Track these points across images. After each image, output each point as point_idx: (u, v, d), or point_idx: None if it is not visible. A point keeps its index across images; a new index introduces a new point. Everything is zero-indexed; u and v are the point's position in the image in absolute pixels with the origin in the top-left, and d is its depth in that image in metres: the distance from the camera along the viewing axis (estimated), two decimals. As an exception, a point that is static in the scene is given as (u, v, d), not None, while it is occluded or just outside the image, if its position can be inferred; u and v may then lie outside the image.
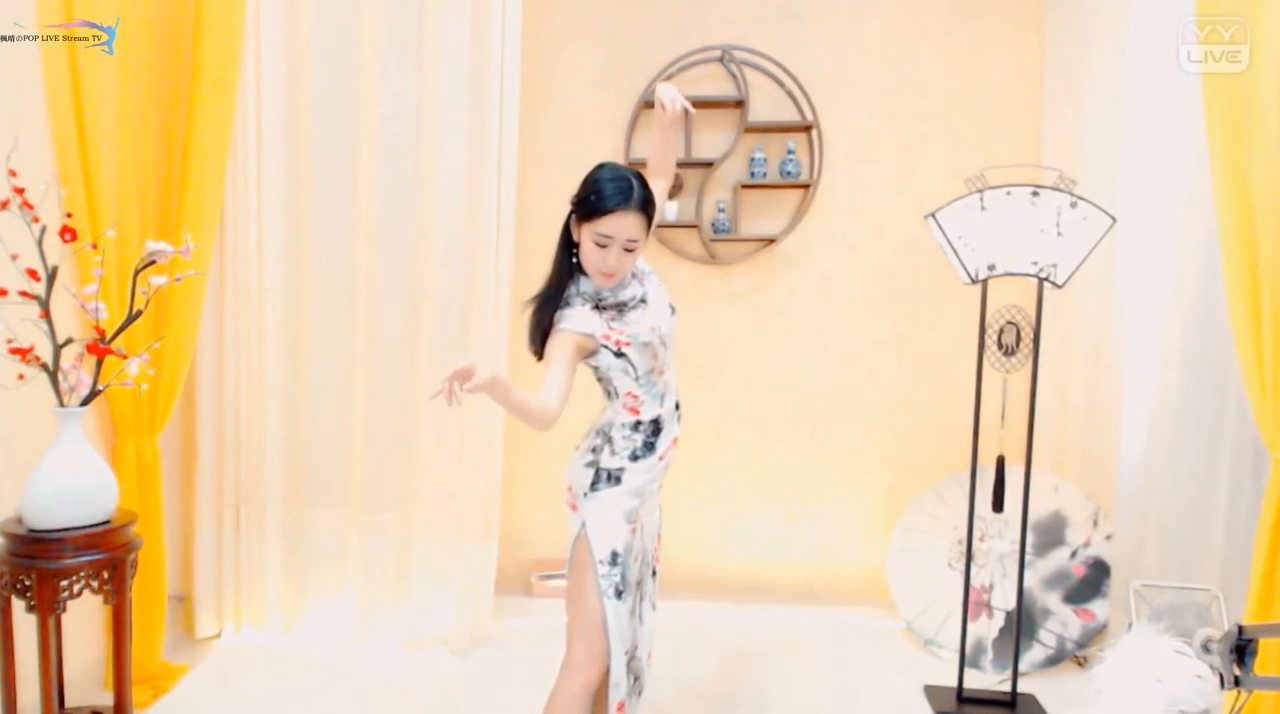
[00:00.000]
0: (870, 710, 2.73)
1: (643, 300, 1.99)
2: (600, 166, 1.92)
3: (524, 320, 1.98)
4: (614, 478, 1.97)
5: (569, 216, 1.95)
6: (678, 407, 2.13)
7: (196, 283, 2.76)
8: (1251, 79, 2.18)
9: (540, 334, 1.93)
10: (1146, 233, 2.94)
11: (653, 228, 1.95)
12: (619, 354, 1.93)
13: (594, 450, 2.00)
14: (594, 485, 1.96)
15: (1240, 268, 2.21)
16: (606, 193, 1.84)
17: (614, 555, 1.92)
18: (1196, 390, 2.74)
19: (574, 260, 1.97)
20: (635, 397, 1.99)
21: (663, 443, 2.04)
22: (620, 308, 1.96)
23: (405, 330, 3.14)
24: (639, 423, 2.00)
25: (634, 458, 1.98)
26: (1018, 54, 3.60)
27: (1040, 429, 2.97)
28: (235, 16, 2.81)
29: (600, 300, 1.96)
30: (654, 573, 2.17)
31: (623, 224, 1.84)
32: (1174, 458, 2.82)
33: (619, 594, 1.91)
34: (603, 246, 1.86)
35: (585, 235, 1.88)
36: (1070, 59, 3.44)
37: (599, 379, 2.04)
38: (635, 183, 1.87)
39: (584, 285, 1.97)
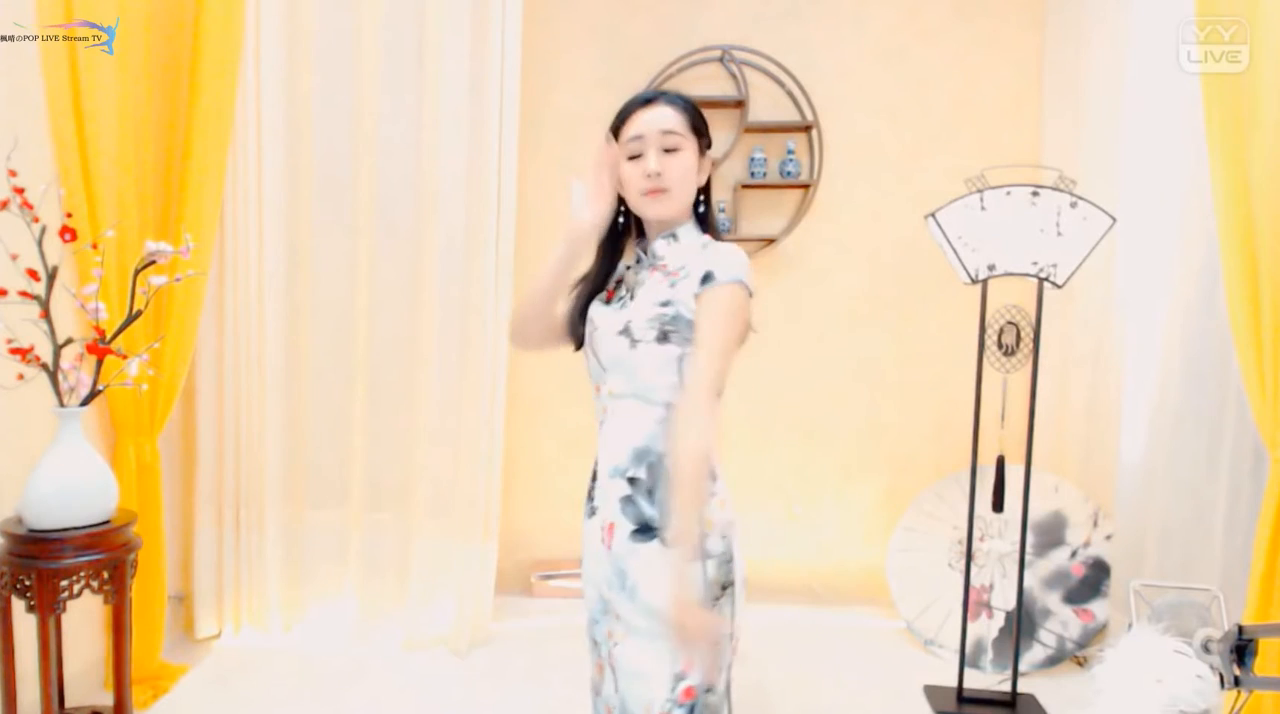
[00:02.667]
0: (870, 710, 2.73)
1: (631, 295, 1.51)
2: None
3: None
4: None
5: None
6: (607, 476, 1.49)
7: (196, 283, 2.76)
8: (1251, 79, 2.18)
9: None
10: (1146, 233, 2.94)
11: (707, 154, 1.55)
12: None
13: None
14: None
15: (1240, 268, 2.21)
16: (627, 102, 1.53)
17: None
18: (1196, 390, 2.74)
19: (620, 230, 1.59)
20: None
21: (592, 496, 1.54)
22: (619, 283, 1.57)
23: (405, 330, 3.14)
24: None
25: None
26: (1018, 54, 3.60)
27: (1040, 429, 2.97)
28: (235, 17, 2.81)
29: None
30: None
31: (652, 116, 1.48)
32: (1174, 458, 2.82)
33: None
34: (637, 156, 1.49)
35: (621, 159, 1.51)
36: (1070, 59, 3.44)
37: None
38: (662, 92, 1.55)
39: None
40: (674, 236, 1.53)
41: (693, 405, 1.37)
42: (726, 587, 1.45)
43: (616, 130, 1.52)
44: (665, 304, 1.44)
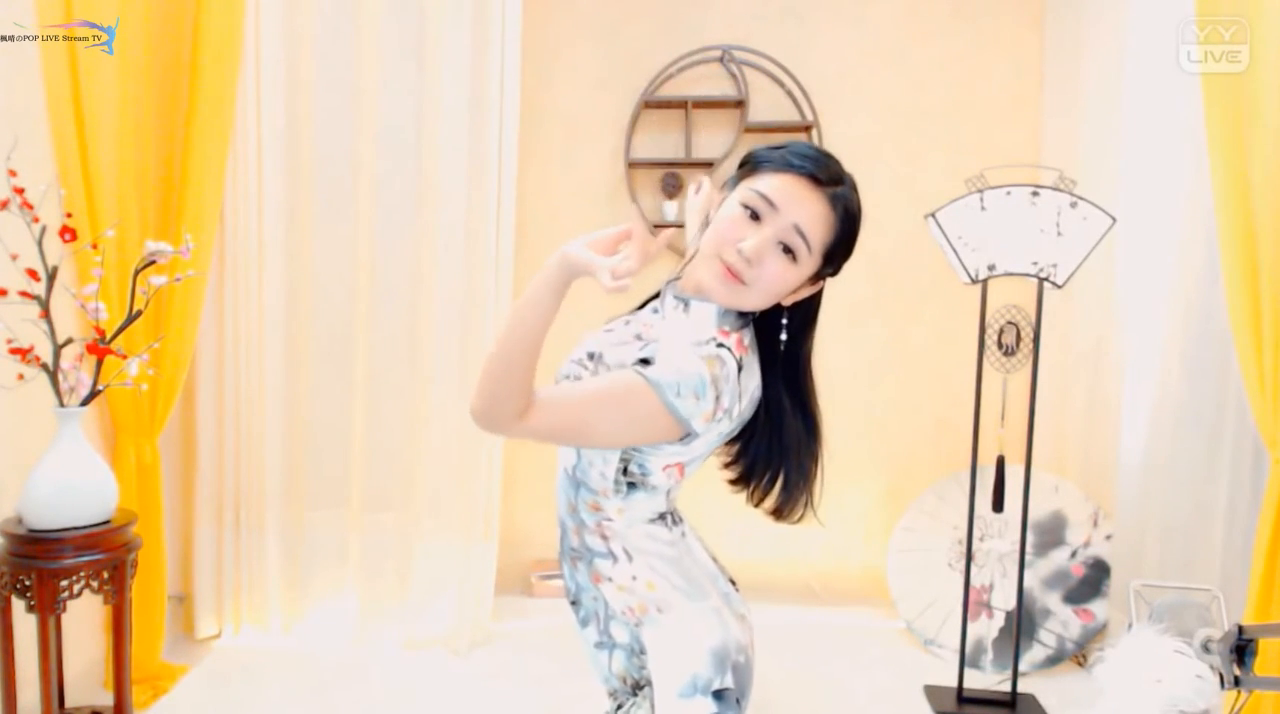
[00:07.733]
0: (870, 710, 2.73)
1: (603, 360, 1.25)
2: None
3: None
4: None
5: None
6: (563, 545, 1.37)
7: (196, 283, 2.76)
8: (1251, 79, 2.18)
9: None
10: (1146, 233, 2.94)
11: (820, 285, 1.29)
12: None
13: None
14: None
15: (1240, 268, 2.21)
16: (793, 150, 1.18)
17: None
18: (1196, 390, 2.74)
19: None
20: None
21: None
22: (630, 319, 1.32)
23: (405, 330, 3.14)
24: None
25: None
26: (1018, 54, 3.60)
27: (1040, 429, 2.97)
28: (235, 17, 2.81)
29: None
30: None
31: (803, 199, 1.15)
32: (1174, 458, 2.82)
33: None
34: (750, 212, 1.16)
35: (733, 198, 1.18)
36: (1070, 59, 3.44)
37: None
38: (839, 168, 1.22)
39: None
40: (686, 306, 1.23)
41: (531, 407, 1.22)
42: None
43: (752, 158, 1.20)
44: (591, 357, 1.24)
